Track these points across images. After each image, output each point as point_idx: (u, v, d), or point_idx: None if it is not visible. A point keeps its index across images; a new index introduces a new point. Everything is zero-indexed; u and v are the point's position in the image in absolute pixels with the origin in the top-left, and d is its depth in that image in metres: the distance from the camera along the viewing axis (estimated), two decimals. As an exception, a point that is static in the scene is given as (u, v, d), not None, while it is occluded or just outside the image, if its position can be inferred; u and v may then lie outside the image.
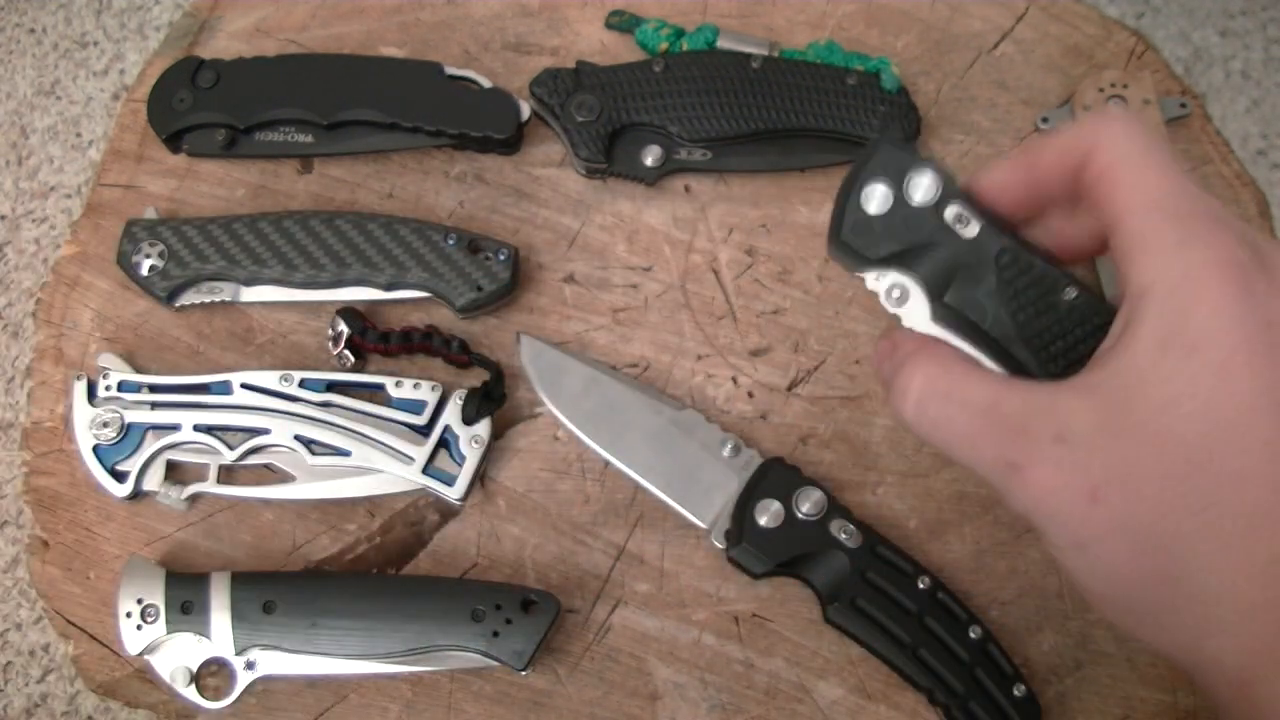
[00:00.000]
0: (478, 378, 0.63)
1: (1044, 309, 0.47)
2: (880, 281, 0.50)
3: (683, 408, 0.61)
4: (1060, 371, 0.48)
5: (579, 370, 0.61)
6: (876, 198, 0.49)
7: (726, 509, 0.58)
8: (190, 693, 0.56)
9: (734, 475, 0.59)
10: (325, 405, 0.60)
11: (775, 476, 0.58)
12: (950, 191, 0.48)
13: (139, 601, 0.56)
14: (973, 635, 0.55)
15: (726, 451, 0.59)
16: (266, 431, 0.59)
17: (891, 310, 0.50)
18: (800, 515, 0.57)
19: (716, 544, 0.58)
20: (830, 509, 0.57)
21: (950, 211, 0.48)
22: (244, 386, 0.60)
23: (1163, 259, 0.38)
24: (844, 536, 0.56)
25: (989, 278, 0.47)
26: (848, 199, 0.49)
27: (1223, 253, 0.37)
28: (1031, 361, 0.47)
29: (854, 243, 0.49)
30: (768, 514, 0.57)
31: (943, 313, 0.48)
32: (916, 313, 0.49)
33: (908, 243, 0.48)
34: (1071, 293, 0.47)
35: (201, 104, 0.66)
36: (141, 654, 0.56)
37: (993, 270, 0.47)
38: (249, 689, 0.57)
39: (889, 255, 0.49)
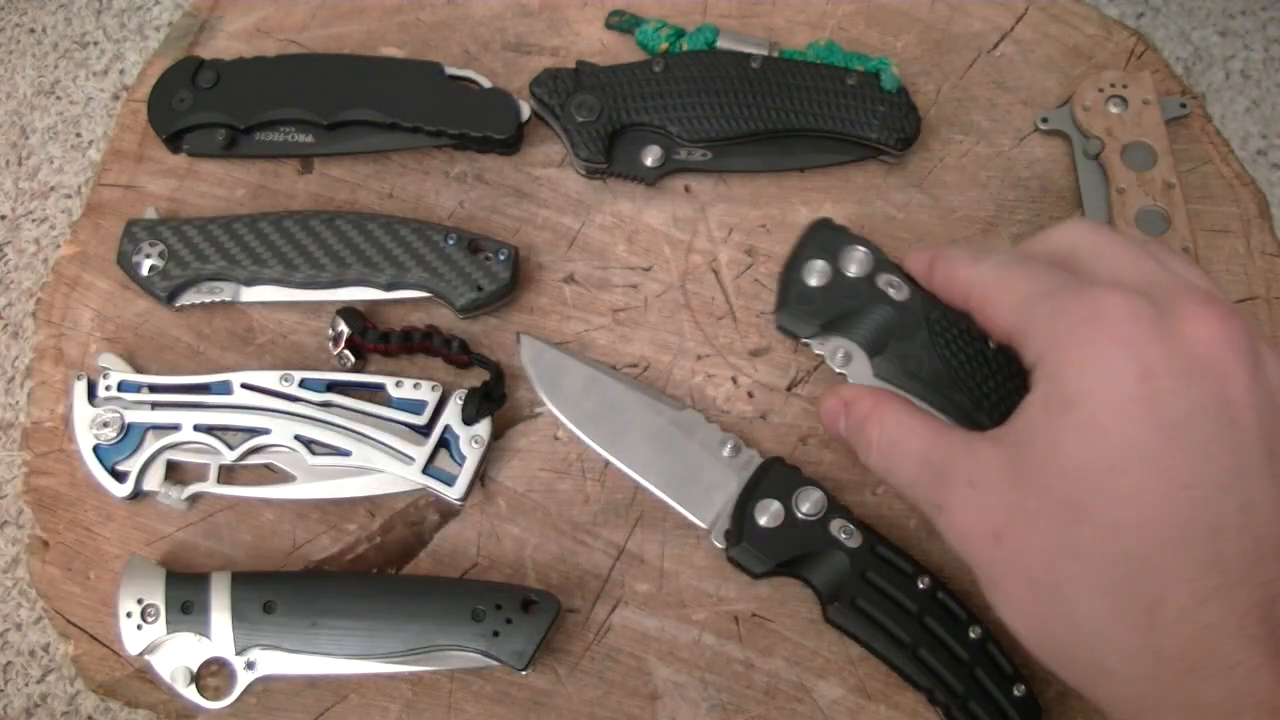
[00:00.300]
0: (478, 378, 0.63)
1: (972, 356, 0.55)
2: (825, 346, 0.59)
3: (683, 408, 0.61)
4: (994, 411, 0.55)
5: (579, 370, 0.61)
6: (816, 272, 0.58)
7: (726, 509, 0.58)
8: (190, 693, 0.56)
9: (734, 475, 0.59)
10: (325, 405, 0.60)
11: (775, 476, 0.58)
12: (881, 263, 0.58)
13: (139, 601, 0.56)
14: (973, 635, 0.55)
15: (726, 451, 0.59)
16: (267, 431, 0.59)
17: (839, 370, 0.58)
18: (800, 515, 0.57)
19: (716, 544, 0.58)
20: (830, 509, 0.57)
21: (882, 279, 0.57)
22: (244, 386, 0.60)
23: (1041, 332, 0.41)
24: (844, 536, 0.56)
25: (921, 333, 0.56)
26: (791, 274, 0.59)
27: (1094, 312, 0.40)
28: (967, 403, 0.55)
29: (799, 311, 0.58)
30: (768, 514, 0.57)
31: (883, 368, 0.57)
32: (861, 371, 0.58)
33: (846, 309, 0.57)
34: (995, 343, 0.54)
35: (201, 104, 0.66)
36: (141, 654, 0.56)
37: (924, 326, 0.56)
38: (249, 689, 0.57)
39: (831, 321, 0.58)
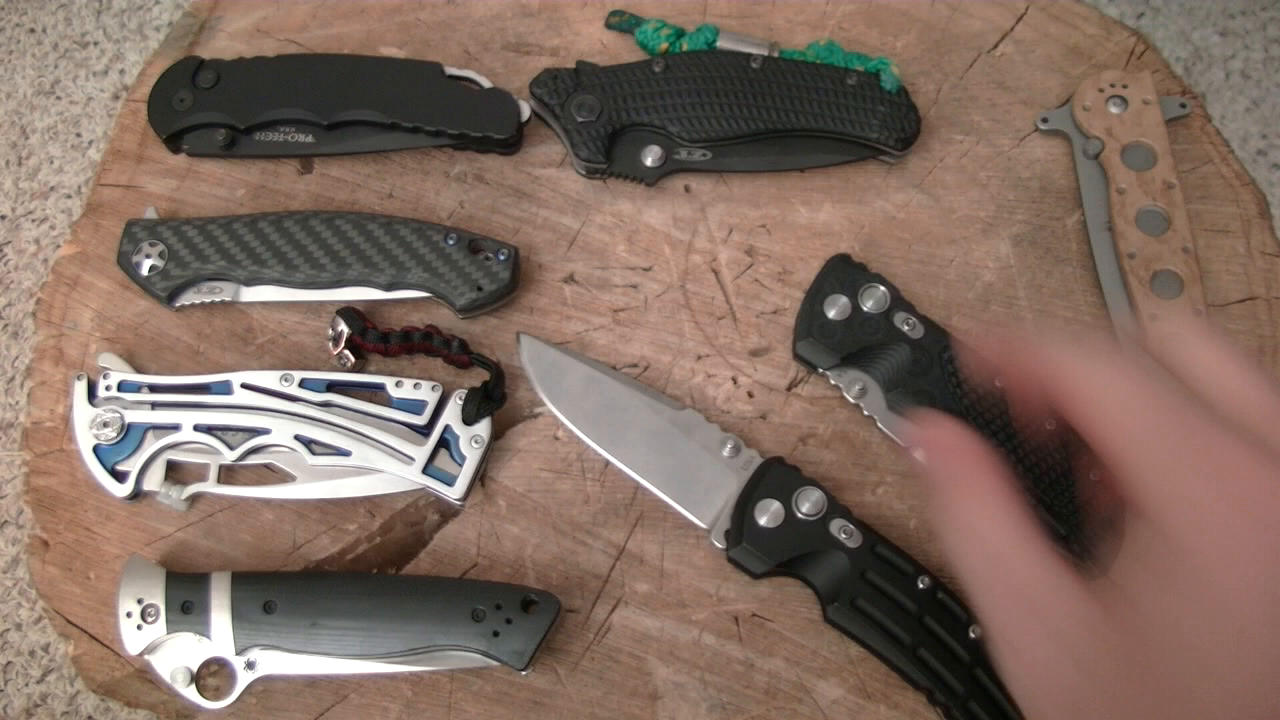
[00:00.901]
0: (478, 378, 0.63)
1: (983, 394, 0.59)
2: (843, 378, 0.61)
3: (682, 408, 0.61)
4: (1003, 448, 0.57)
5: (579, 370, 0.61)
6: (836, 306, 0.61)
7: (726, 509, 0.58)
8: (190, 693, 0.56)
9: (734, 475, 0.59)
10: (325, 405, 0.60)
11: (775, 476, 0.58)
12: (898, 301, 0.61)
13: (139, 601, 0.56)
14: (973, 635, 0.55)
15: (726, 451, 0.59)
16: (267, 431, 0.59)
17: (854, 401, 0.61)
18: (800, 515, 0.57)
19: (716, 544, 0.58)
20: (830, 509, 0.57)
21: (899, 317, 0.61)
22: (244, 386, 0.60)
23: (1160, 481, 0.37)
24: (844, 536, 0.56)
25: (935, 370, 0.59)
26: (812, 307, 0.62)
27: (1226, 476, 0.35)
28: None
29: (821, 344, 0.61)
30: (767, 514, 0.57)
31: (898, 403, 0.60)
32: (876, 404, 0.60)
33: (864, 343, 0.60)
34: (1001, 380, 0.52)
35: (201, 104, 0.66)
36: (141, 654, 0.56)
37: (938, 364, 0.59)
38: (249, 689, 0.57)
39: (849, 355, 0.60)
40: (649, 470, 0.59)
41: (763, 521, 0.57)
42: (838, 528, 0.57)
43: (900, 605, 0.55)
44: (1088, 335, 0.42)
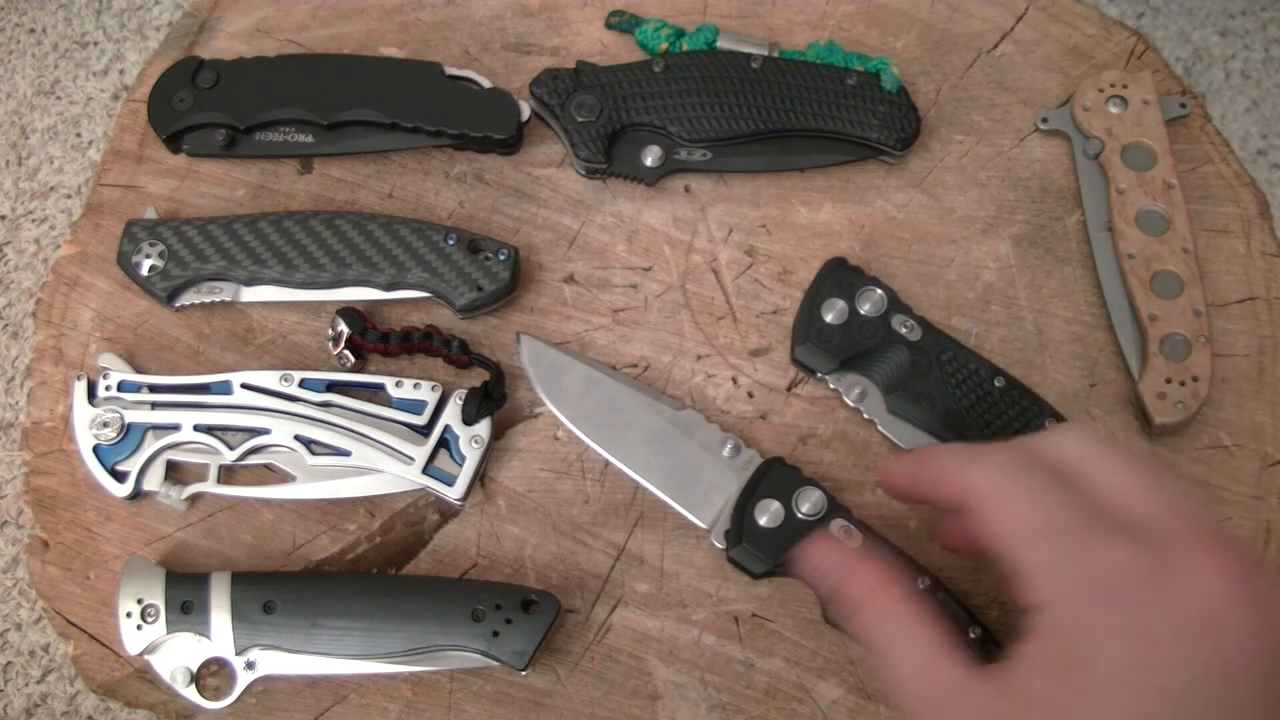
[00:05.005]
0: (478, 378, 0.63)
1: (982, 395, 0.60)
2: (842, 382, 0.61)
3: (682, 408, 0.61)
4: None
5: (579, 370, 0.61)
6: (834, 310, 0.61)
7: (726, 509, 0.58)
8: (190, 693, 0.56)
9: (734, 475, 0.59)
10: (325, 405, 0.60)
11: (775, 476, 0.58)
12: (895, 304, 0.61)
13: (139, 601, 0.56)
14: (972, 635, 0.55)
15: (726, 451, 0.59)
16: (266, 431, 0.59)
17: (853, 405, 0.61)
18: (800, 515, 0.57)
19: (716, 544, 0.58)
20: (830, 509, 0.57)
21: (896, 319, 0.61)
22: (244, 386, 0.60)
23: (1043, 577, 0.40)
24: (844, 537, 0.56)
25: (934, 372, 0.60)
26: (810, 311, 0.62)
27: (1098, 568, 0.39)
28: (979, 440, 0.58)
29: (819, 348, 0.61)
30: (767, 514, 0.57)
31: (897, 405, 0.60)
32: (876, 407, 0.61)
33: (862, 347, 0.61)
34: (1000, 381, 0.60)
35: (201, 104, 0.66)
36: (141, 654, 0.56)
37: (937, 365, 0.60)
38: (249, 689, 0.57)
39: (848, 359, 0.61)
40: (649, 470, 0.59)
41: (762, 521, 0.57)
42: (837, 528, 0.57)
43: None
44: (985, 449, 0.45)
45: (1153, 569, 0.39)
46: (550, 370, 0.61)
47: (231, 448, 0.59)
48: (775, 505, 0.57)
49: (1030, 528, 0.41)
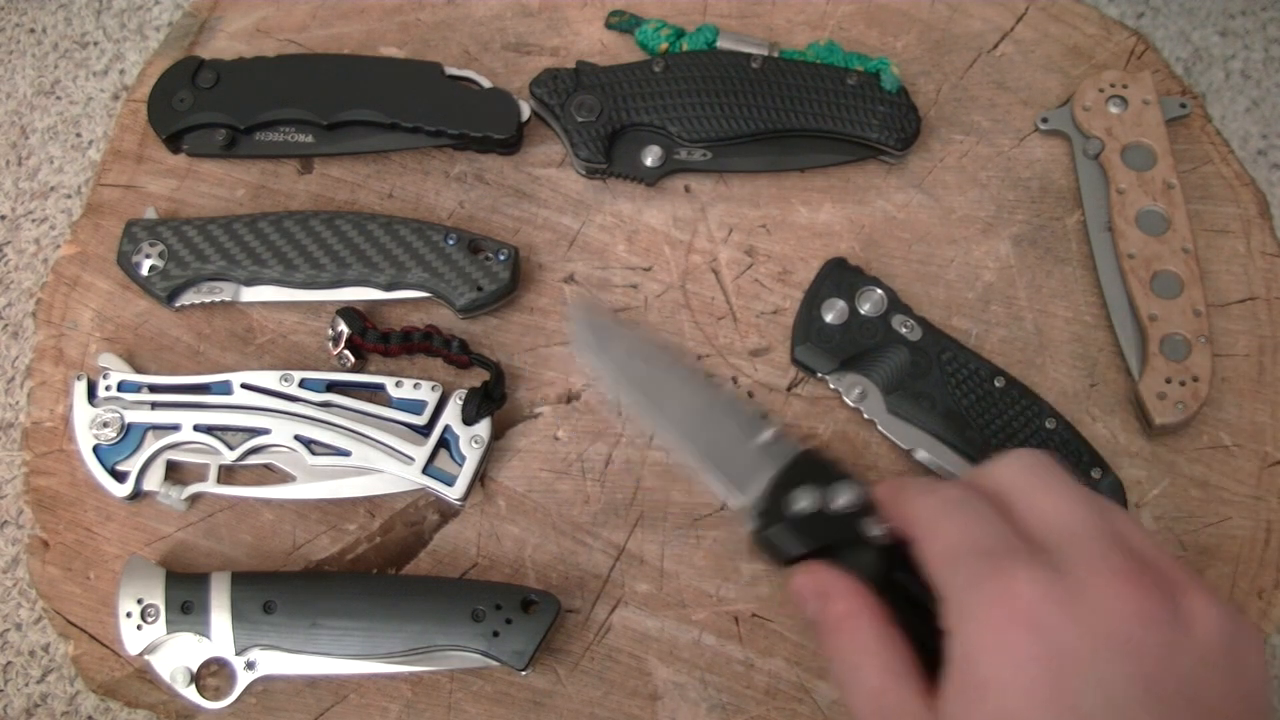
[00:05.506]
0: (478, 378, 0.63)
1: (982, 395, 0.60)
2: (842, 382, 0.61)
3: (722, 383, 0.60)
4: (1004, 447, 0.57)
5: (625, 336, 0.59)
6: (834, 310, 0.61)
7: (760, 492, 0.57)
8: (190, 693, 0.56)
9: (770, 461, 0.57)
10: (325, 405, 0.60)
11: (809, 467, 0.58)
12: (895, 304, 0.61)
13: (139, 601, 0.56)
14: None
15: (765, 436, 0.58)
16: (266, 431, 0.59)
17: (853, 405, 0.61)
18: (833, 510, 0.57)
19: (748, 527, 0.56)
20: (865, 508, 0.57)
21: (896, 319, 0.61)
22: (244, 386, 0.60)
23: (955, 601, 0.41)
24: (876, 534, 0.57)
25: (934, 372, 0.60)
26: (810, 311, 0.62)
27: (1004, 591, 0.39)
28: (978, 439, 0.59)
29: (819, 348, 0.61)
30: (805, 499, 0.57)
31: (897, 405, 0.60)
32: (876, 407, 0.61)
33: (863, 347, 0.61)
34: (1000, 381, 0.60)
35: (201, 104, 0.66)
36: (141, 654, 0.56)
37: (937, 365, 0.60)
38: (249, 689, 0.57)
39: (848, 359, 0.61)
40: (684, 442, 0.57)
41: (798, 507, 0.57)
42: (868, 525, 0.56)
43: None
44: (943, 483, 0.47)
45: (1066, 592, 0.39)
46: (595, 332, 0.59)
47: (231, 448, 0.59)
48: (812, 493, 0.57)
49: (952, 553, 0.42)
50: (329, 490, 0.60)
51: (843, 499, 0.57)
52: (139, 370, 0.63)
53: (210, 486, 0.60)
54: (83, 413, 0.60)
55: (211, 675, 0.58)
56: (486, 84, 0.67)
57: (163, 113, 0.66)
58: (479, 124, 0.66)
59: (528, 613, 0.55)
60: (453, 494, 0.59)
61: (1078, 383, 0.63)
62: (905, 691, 0.43)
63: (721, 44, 0.68)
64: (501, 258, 0.62)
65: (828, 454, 0.58)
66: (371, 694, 0.58)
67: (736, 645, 0.58)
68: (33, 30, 1.50)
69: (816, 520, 0.56)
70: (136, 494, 0.60)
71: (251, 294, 0.64)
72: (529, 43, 0.71)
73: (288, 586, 0.57)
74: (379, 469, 0.59)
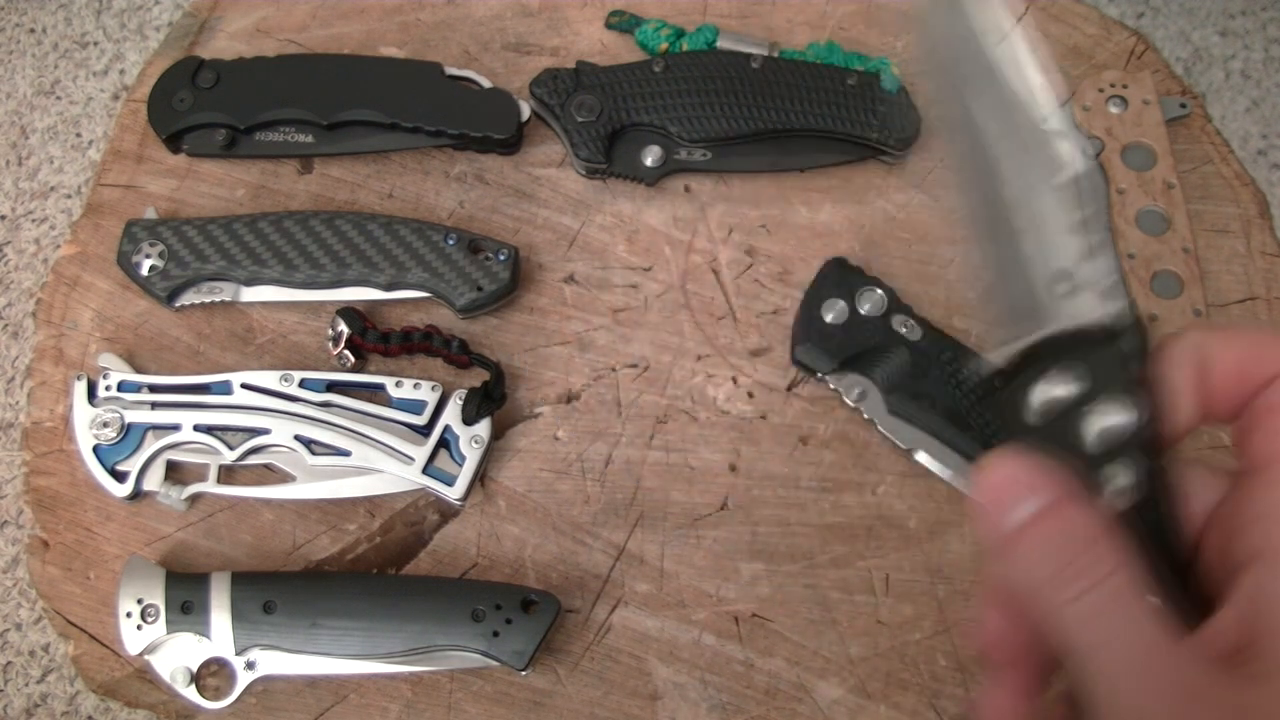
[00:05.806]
0: (478, 378, 0.63)
1: (983, 396, 0.59)
2: (842, 382, 0.61)
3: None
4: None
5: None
6: (834, 310, 0.61)
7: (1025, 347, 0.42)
8: (190, 693, 0.56)
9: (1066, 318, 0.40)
10: (325, 405, 0.60)
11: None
12: (895, 304, 0.61)
13: (139, 601, 0.56)
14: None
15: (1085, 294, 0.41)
16: (266, 431, 0.59)
17: (853, 405, 0.61)
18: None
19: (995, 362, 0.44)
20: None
21: (896, 319, 0.61)
22: (244, 386, 0.60)
23: None
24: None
25: (934, 372, 0.60)
26: (810, 311, 0.62)
27: None
28: (979, 440, 0.59)
29: (819, 348, 0.61)
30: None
31: (897, 405, 0.60)
32: (876, 407, 0.61)
33: (863, 347, 0.61)
34: (1000, 382, 0.53)
35: (201, 104, 0.66)
36: (141, 654, 0.56)
37: (937, 365, 0.60)
38: (249, 689, 0.57)
39: (848, 358, 0.60)
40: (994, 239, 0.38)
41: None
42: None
43: None
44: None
45: None
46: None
47: (231, 448, 0.59)
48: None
49: None
50: (329, 490, 0.60)
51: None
52: (139, 370, 0.63)
53: (210, 486, 0.60)
54: (83, 413, 0.60)
55: (211, 675, 0.58)
56: (486, 84, 0.67)
57: (163, 113, 0.66)
58: (479, 124, 0.66)
59: (528, 613, 0.55)
60: (453, 494, 0.59)
61: (1078, 383, 0.63)
62: (1190, 662, 0.30)
63: (721, 44, 0.68)
64: (501, 258, 0.62)
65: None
66: (371, 694, 0.58)
67: (736, 645, 0.58)
68: (33, 30, 1.50)
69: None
70: (136, 494, 0.60)
71: (251, 294, 0.64)
72: (529, 43, 0.71)
73: (288, 586, 0.57)
74: (379, 469, 0.59)
